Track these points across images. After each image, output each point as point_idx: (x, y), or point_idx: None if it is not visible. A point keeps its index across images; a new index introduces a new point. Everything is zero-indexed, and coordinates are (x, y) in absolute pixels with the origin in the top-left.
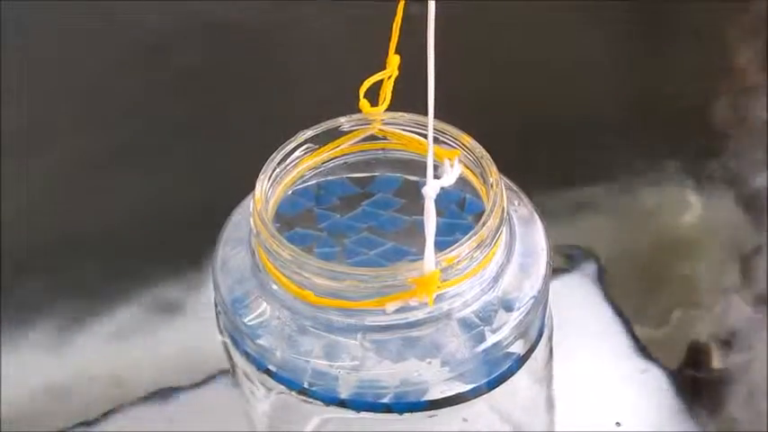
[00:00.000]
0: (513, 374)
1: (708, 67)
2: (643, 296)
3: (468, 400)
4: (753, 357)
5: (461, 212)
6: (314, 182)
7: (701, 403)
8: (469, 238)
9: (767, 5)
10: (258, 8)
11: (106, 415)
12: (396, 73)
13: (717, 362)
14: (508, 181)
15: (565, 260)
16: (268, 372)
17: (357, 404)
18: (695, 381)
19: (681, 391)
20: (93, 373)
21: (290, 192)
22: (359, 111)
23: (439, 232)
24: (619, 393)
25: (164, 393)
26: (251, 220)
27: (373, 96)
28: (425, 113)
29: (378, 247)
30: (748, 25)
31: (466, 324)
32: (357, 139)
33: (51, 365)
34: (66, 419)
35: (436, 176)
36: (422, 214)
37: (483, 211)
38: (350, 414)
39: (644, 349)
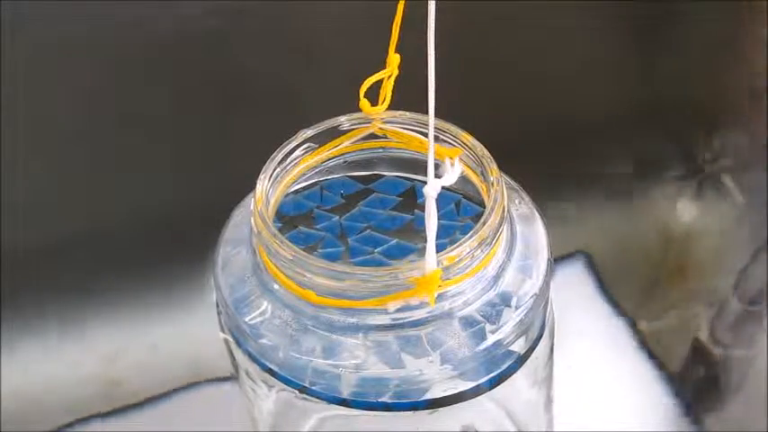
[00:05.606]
0: (513, 373)
1: (708, 68)
2: (643, 296)
3: (469, 398)
4: (753, 356)
5: (457, 215)
6: (315, 180)
7: (701, 402)
8: (470, 237)
9: None
10: (259, 8)
11: (106, 415)
12: (396, 72)
13: (717, 361)
14: (509, 179)
15: (564, 260)
16: (270, 371)
17: (359, 403)
18: (695, 380)
19: (681, 391)
20: (93, 372)
21: (292, 191)
22: (359, 110)
23: (436, 234)
24: (618, 393)
25: (165, 393)
26: (252, 219)
27: (374, 96)
28: (425, 113)
29: (382, 245)
30: (750, 25)
31: (467, 323)
32: (357, 138)
33: (51, 365)
34: (65, 419)
35: (437, 175)
36: (420, 211)
37: (479, 214)
38: (351, 412)
39: (644, 349)
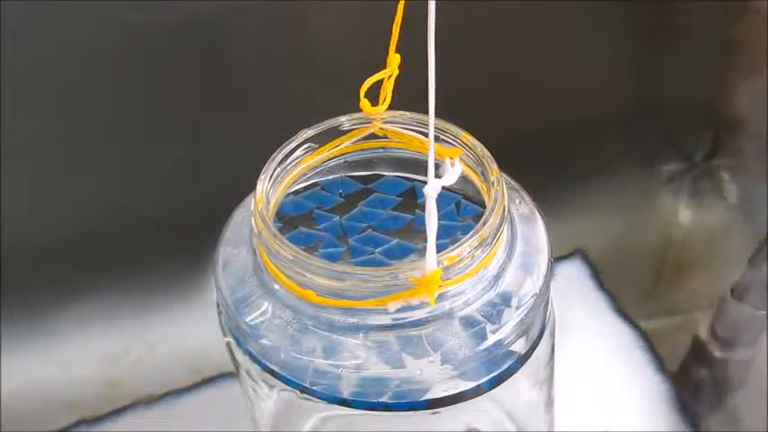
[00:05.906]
0: (514, 373)
1: (707, 68)
2: (643, 295)
3: (470, 398)
4: (753, 357)
5: (458, 215)
6: (315, 180)
7: (701, 402)
8: (471, 237)
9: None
10: (259, 8)
11: (106, 415)
12: (396, 72)
13: (716, 361)
14: (509, 179)
15: (564, 259)
16: (271, 371)
17: (359, 403)
18: (695, 380)
19: (681, 391)
20: (92, 373)
21: (293, 191)
22: (359, 110)
23: (436, 234)
24: (618, 393)
25: (165, 394)
26: (252, 219)
27: (374, 96)
28: (425, 113)
29: (383, 245)
30: (749, 25)
31: (467, 323)
32: (357, 138)
33: (51, 366)
34: (65, 419)
35: (437, 175)
36: (421, 210)
37: (479, 214)
38: (351, 412)
39: (644, 349)
